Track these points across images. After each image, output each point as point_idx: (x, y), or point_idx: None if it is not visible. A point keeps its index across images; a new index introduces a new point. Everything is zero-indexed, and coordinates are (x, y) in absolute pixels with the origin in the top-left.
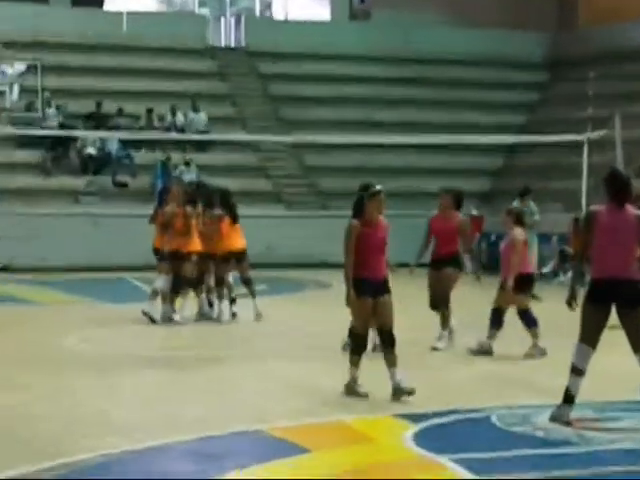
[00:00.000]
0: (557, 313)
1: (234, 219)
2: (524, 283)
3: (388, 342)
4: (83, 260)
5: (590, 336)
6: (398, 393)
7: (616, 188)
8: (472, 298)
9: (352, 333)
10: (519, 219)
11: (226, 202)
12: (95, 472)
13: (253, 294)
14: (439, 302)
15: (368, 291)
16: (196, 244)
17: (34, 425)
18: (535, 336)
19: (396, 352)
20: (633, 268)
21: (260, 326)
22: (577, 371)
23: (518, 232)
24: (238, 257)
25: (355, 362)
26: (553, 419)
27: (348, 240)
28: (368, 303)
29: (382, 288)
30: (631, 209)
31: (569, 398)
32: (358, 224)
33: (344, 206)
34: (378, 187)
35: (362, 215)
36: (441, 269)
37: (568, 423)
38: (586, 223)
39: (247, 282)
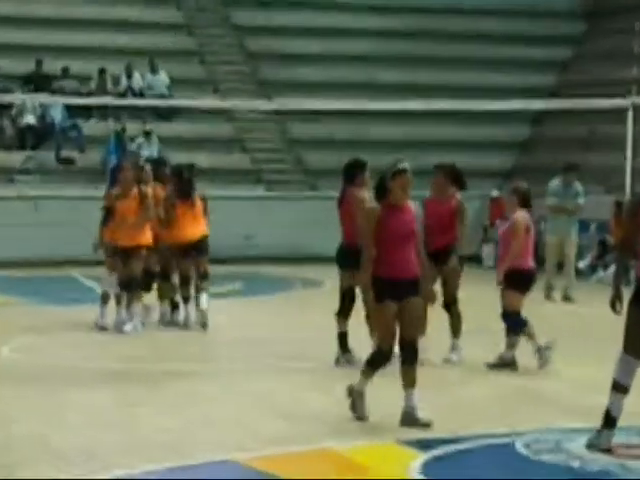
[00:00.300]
0: (595, 317)
1: (185, 195)
2: (520, 280)
3: (409, 357)
4: (20, 253)
5: (637, 346)
6: (410, 422)
7: None
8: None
9: (375, 350)
10: (525, 200)
11: (178, 175)
12: None
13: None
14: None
15: (391, 294)
16: (148, 236)
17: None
18: (511, 346)
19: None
20: None
21: (234, 333)
22: (620, 388)
23: (521, 215)
24: (197, 247)
25: (368, 374)
26: (591, 446)
27: (366, 229)
28: (392, 309)
29: (410, 289)
30: None
31: (610, 421)
32: (378, 208)
33: (336, 186)
34: (404, 163)
35: (385, 198)
36: (442, 264)
37: (609, 450)
38: (632, 207)
39: (203, 277)
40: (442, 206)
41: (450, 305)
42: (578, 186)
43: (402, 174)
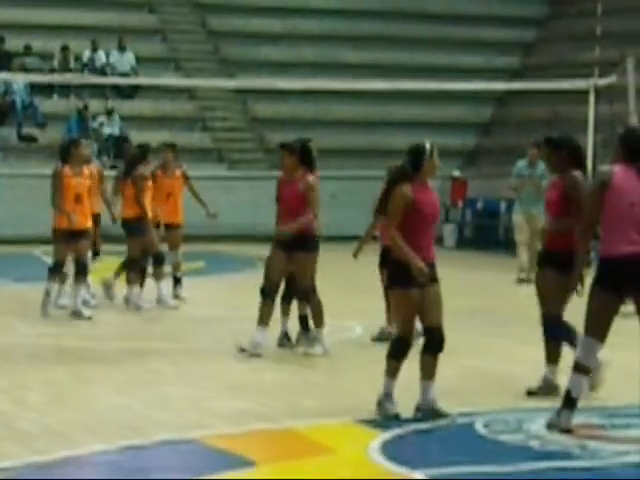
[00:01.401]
0: None
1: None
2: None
3: (436, 346)
4: None
5: (598, 327)
6: (430, 415)
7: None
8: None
9: (396, 340)
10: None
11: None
12: None
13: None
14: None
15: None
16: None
17: None
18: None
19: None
20: None
21: (195, 312)
22: (581, 369)
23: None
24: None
25: (393, 371)
26: (550, 426)
27: (396, 211)
28: (416, 296)
29: (433, 274)
30: None
31: (570, 401)
32: (410, 189)
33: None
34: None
35: (414, 178)
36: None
37: (569, 431)
38: (596, 189)
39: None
40: (291, 188)
41: (307, 294)
42: (542, 165)
43: (433, 152)
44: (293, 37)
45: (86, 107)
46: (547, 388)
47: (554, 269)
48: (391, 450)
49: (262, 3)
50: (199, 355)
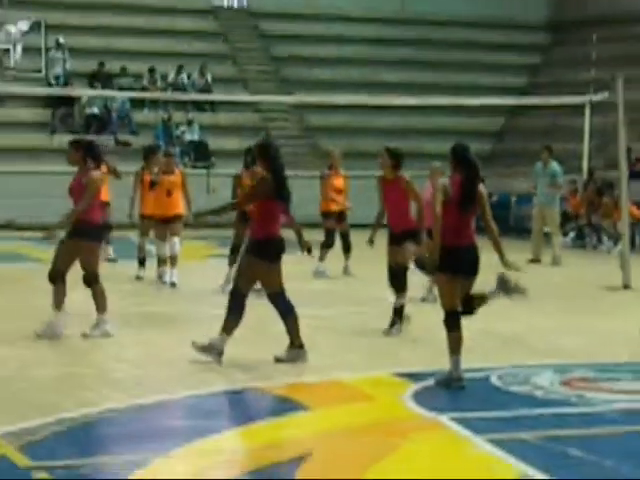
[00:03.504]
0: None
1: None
2: None
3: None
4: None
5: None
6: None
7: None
8: None
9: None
10: None
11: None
12: (97, 426)
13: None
14: None
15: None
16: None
17: (31, 381)
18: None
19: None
20: None
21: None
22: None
23: None
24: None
25: (458, 345)
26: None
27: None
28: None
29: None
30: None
31: None
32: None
33: (346, 167)
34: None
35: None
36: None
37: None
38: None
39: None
40: (393, 186)
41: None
42: (554, 166)
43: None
44: (341, 61)
45: (170, 118)
46: None
47: None
48: (421, 398)
49: (315, 32)
50: (262, 321)
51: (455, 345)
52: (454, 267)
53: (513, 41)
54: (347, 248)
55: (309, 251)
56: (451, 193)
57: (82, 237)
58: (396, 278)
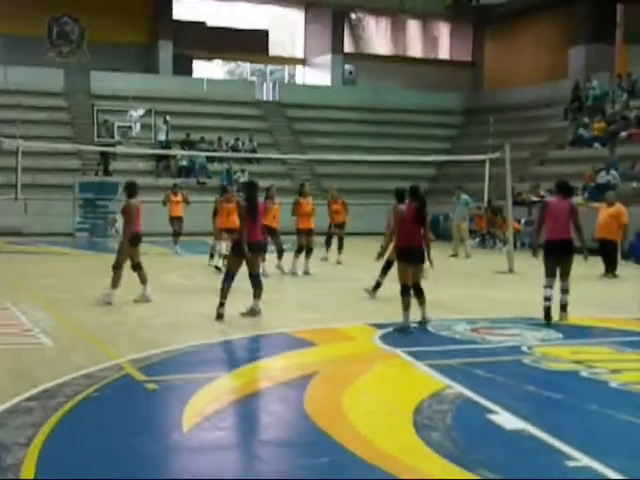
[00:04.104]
0: (465, 264)
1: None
2: None
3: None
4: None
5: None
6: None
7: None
8: None
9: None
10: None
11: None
12: (186, 355)
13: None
14: None
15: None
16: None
17: (150, 327)
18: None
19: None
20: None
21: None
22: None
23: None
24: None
25: (406, 306)
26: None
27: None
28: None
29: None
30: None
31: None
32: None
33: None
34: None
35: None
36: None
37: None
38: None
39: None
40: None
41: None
42: (465, 198)
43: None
44: (336, 133)
45: (230, 168)
46: None
47: None
48: (385, 339)
49: (321, 115)
50: (287, 292)
51: (405, 305)
52: (407, 259)
53: (441, 122)
54: (341, 247)
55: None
56: (406, 214)
57: (132, 244)
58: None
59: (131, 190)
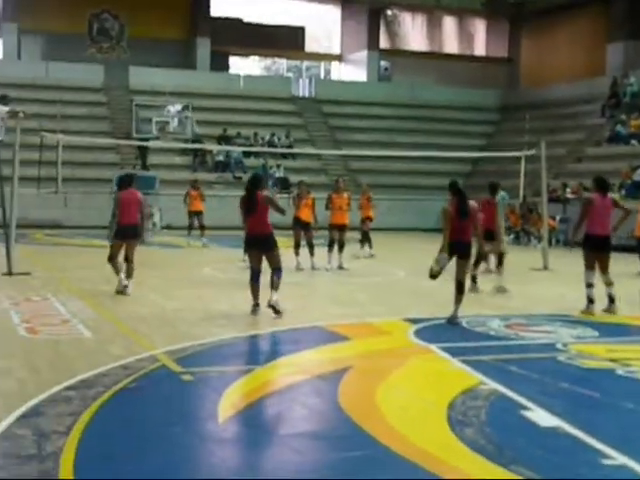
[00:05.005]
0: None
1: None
2: None
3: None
4: (216, 222)
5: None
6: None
7: None
8: None
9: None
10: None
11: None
12: (221, 348)
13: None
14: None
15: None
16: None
17: (185, 319)
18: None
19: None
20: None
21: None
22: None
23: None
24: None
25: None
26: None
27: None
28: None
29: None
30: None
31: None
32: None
33: (373, 193)
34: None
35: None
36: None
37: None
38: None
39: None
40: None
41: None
42: (502, 194)
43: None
44: (371, 129)
45: (266, 163)
46: None
47: None
48: (419, 334)
49: (355, 112)
50: (321, 286)
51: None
52: (454, 253)
53: (478, 118)
54: (366, 242)
55: None
56: (452, 211)
57: (116, 236)
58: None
59: (120, 182)
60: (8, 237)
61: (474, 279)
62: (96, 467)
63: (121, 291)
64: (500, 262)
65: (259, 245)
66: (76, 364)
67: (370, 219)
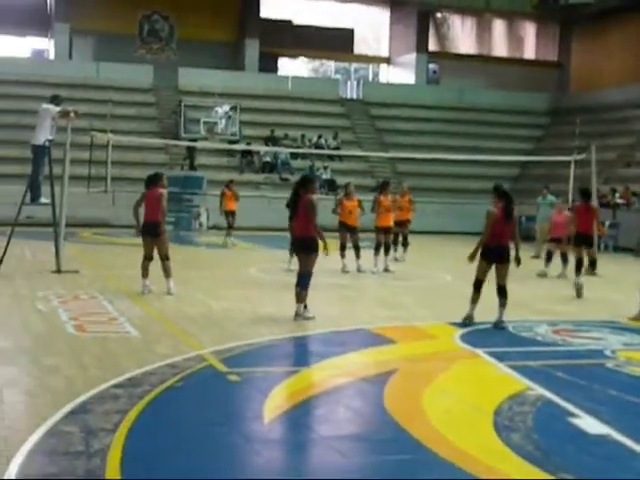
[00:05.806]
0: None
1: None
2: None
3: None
4: (261, 223)
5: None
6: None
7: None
8: None
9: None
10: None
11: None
12: (268, 348)
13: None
14: None
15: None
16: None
17: (232, 320)
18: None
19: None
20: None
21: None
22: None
23: None
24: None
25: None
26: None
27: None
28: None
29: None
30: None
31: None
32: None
33: (419, 196)
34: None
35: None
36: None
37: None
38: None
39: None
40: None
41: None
42: (551, 197)
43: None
44: (418, 132)
45: (313, 164)
46: None
47: None
48: (466, 338)
49: (403, 114)
50: (366, 289)
51: (472, 299)
52: (491, 257)
53: (526, 122)
54: (403, 244)
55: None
56: (497, 214)
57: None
58: None
59: (147, 181)
60: (58, 235)
61: (579, 290)
62: (142, 465)
63: (143, 292)
64: (593, 267)
65: (298, 247)
66: (123, 362)
67: (409, 222)
